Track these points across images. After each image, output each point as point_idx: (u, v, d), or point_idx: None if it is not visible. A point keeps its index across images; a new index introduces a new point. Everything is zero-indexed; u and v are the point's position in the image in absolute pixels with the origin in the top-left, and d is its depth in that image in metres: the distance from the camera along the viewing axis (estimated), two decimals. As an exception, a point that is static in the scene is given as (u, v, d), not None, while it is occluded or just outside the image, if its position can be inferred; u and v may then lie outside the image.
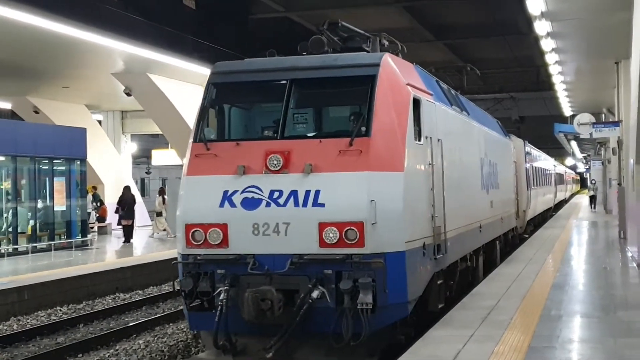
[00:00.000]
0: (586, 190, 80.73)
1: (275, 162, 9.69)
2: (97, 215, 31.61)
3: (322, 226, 9.37)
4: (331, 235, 9.33)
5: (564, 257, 18.62)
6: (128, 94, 29.05)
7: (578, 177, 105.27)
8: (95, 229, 30.64)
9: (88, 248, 25.35)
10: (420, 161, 10.54)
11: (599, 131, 25.13)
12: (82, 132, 26.55)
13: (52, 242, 24.32)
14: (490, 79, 45.92)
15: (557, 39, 19.61)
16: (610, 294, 12.71)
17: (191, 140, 10.36)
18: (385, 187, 9.47)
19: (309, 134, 10.46)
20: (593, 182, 49.82)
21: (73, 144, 25.80)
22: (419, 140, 10.56)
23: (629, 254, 18.23)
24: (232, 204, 9.72)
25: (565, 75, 26.35)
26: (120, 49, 24.17)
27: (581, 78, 27.15)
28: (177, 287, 9.88)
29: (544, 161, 39.30)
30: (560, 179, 53.66)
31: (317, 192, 9.47)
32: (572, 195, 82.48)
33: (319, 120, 10.91)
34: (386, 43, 11.92)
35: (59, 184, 25.55)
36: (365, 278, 9.11)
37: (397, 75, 10.39)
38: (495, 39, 34.70)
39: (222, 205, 9.76)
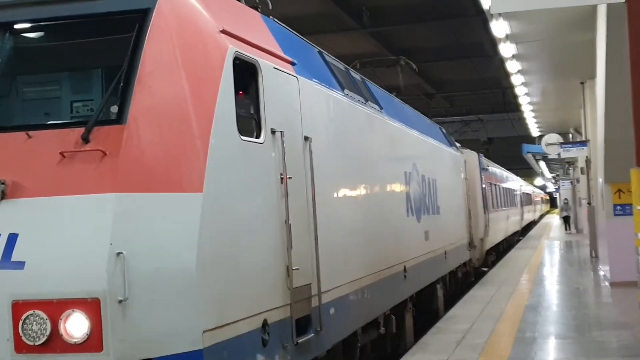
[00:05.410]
0: (557, 210, 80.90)
1: None
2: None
3: (18, 309, 4.90)
4: (36, 328, 4.86)
5: (536, 277, 18.61)
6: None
7: (547, 197, 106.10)
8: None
9: None
10: (256, 173, 6.27)
11: (567, 151, 25.34)
12: None
13: None
14: (457, 101, 46.31)
15: (522, 60, 19.74)
16: (583, 314, 12.68)
17: None
18: (158, 223, 5.15)
19: (9, 124, 5.79)
20: (566, 201, 46.50)
21: None
22: (257, 135, 6.34)
23: (601, 273, 18.25)
24: None
25: (532, 97, 26.56)
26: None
27: (547, 99, 27.39)
28: None
29: (507, 179, 35.20)
30: (527, 199, 52.56)
31: (12, 238, 5.00)
32: (541, 216, 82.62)
33: (39, 97, 6.16)
34: None
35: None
36: None
37: (199, 13, 5.96)
38: (461, 62, 34.95)
39: None
